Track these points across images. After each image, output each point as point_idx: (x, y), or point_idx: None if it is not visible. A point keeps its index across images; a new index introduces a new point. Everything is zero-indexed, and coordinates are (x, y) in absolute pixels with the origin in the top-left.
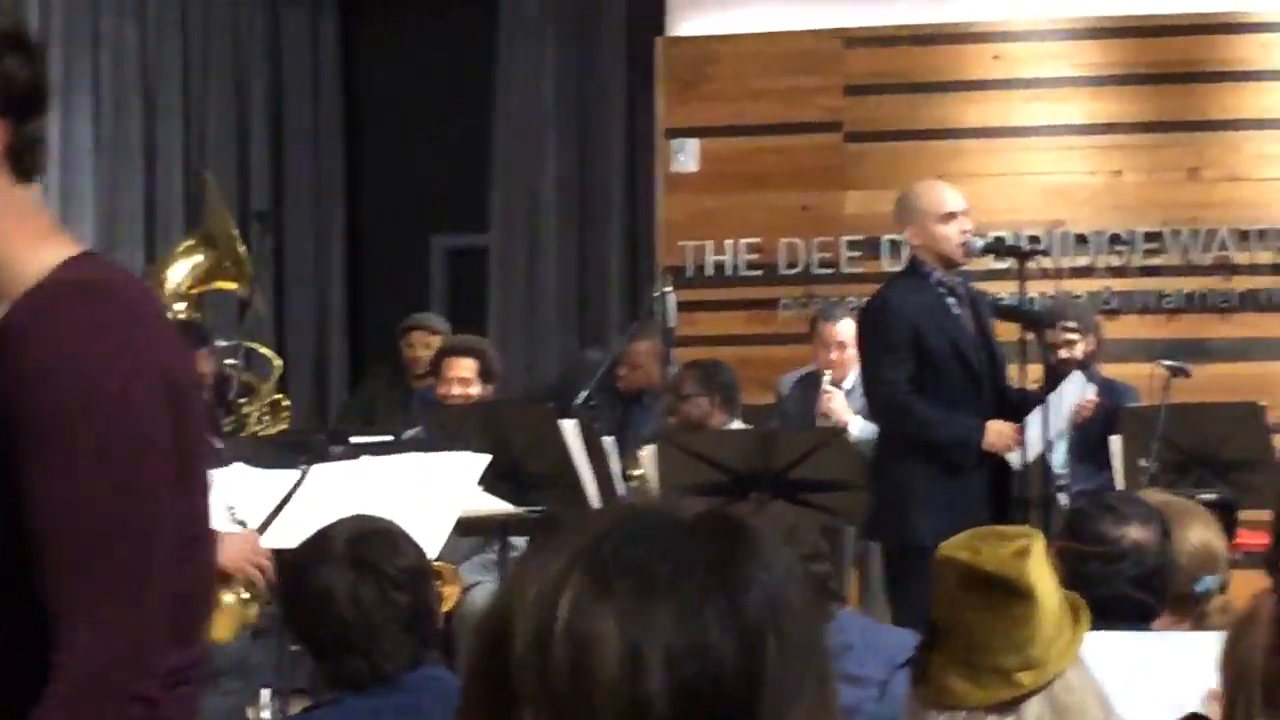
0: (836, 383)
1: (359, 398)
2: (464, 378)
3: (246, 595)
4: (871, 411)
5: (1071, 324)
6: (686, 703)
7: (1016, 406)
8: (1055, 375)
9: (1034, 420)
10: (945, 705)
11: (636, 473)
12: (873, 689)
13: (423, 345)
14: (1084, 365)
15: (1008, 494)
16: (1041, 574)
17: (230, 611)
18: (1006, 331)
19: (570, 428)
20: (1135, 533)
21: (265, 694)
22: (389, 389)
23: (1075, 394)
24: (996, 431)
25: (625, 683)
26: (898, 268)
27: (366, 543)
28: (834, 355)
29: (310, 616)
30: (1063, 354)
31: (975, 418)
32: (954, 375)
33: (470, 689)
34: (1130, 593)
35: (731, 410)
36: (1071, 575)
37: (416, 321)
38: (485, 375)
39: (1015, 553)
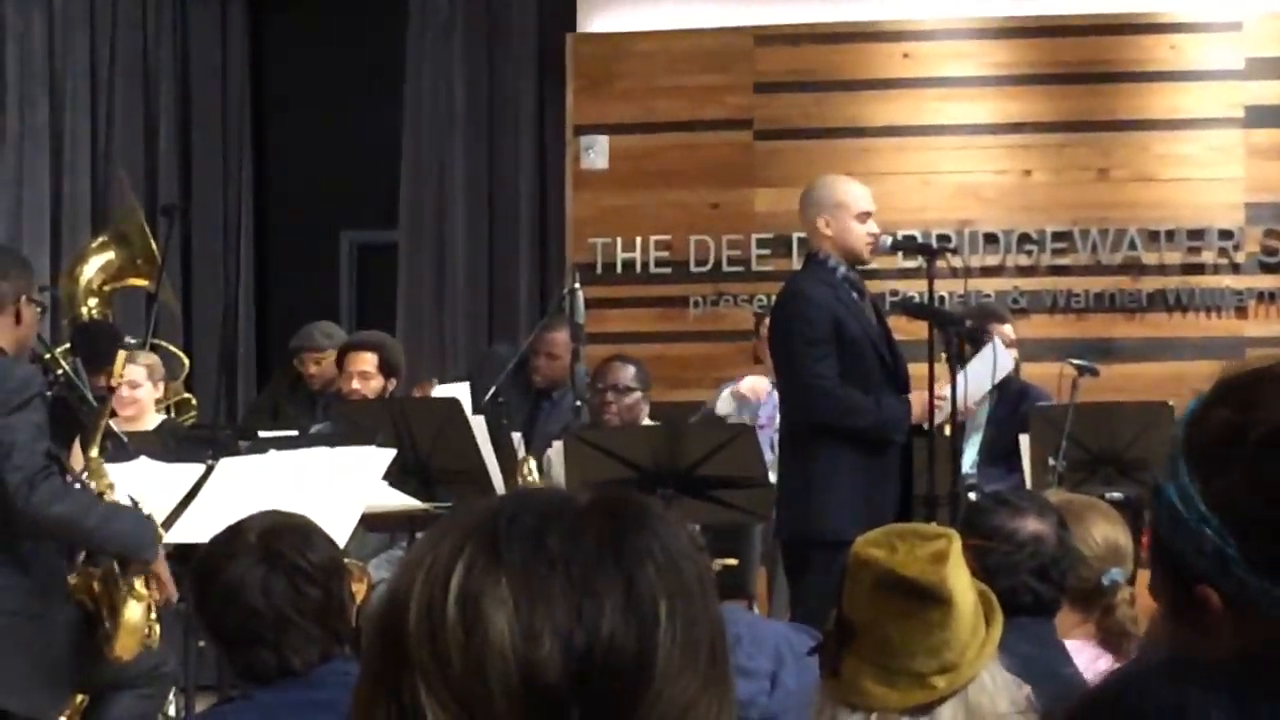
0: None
1: (262, 402)
2: (364, 372)
3: (154, 615)
4: (795, 407)
5: (1008, 325)
6: (578, 670)
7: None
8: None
9: (959, 386)
10: (859, 706)
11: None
12: (764, 682)
13: (313, 363)
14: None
15: (911, 492)
16: (959, 578)
17: (136, 628)
18: (915, 330)
19: (479, 423)
20: (1032, 525)
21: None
22: (292, 393)
23: (1002, 357)
24: (920, 402)
25: (516, 650)
26: None
27: (279, 536)
28: None
29: (220, 609)
30: None
31: (899, 397)
32: (872, 366)
33: (367, 665)
34: (1032, 584)
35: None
36: (975, 570)
37: (301, 343)
38: (386, 369)
39: (933, 556)
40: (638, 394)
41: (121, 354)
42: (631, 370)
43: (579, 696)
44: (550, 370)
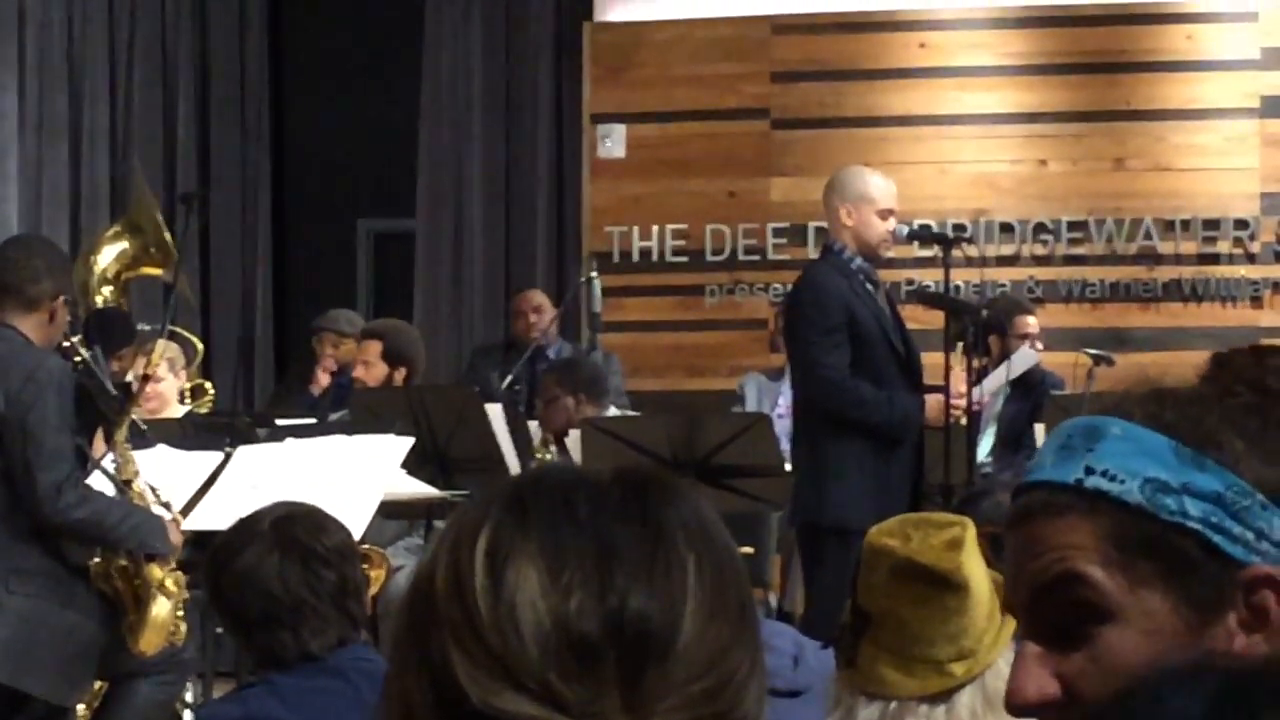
0: None
1: (285, 388)
2: (366, 360)
3: (180, 612)
4: (807, 396)
5: (1032, 318)
6: (611, 621)
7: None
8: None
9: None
10: (876, 695)
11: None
12: (788, 659)
13: (331, 345)
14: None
15: (922, 480)
16: (974, 564)
17: (162, 625)
18: (932, 319)
19: (496, 411)
20: None
21: None
22: (302, 382)
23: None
24: (935, 405)
25: (549, 601)
26: None
27: (292, 522)
28: None
29: (237, 595)
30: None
31: (912, 395)
32: (884, 357)
33: (397, 640)
34: None
35: (599, 400)
36: (988, 559)
37: (326, 324)
38: (390, 358)
39: (948, 543)
40: (565, 400)
41: (160, 344)
42: (553, 377)
43: (614, 643)
44: (542, 324)
